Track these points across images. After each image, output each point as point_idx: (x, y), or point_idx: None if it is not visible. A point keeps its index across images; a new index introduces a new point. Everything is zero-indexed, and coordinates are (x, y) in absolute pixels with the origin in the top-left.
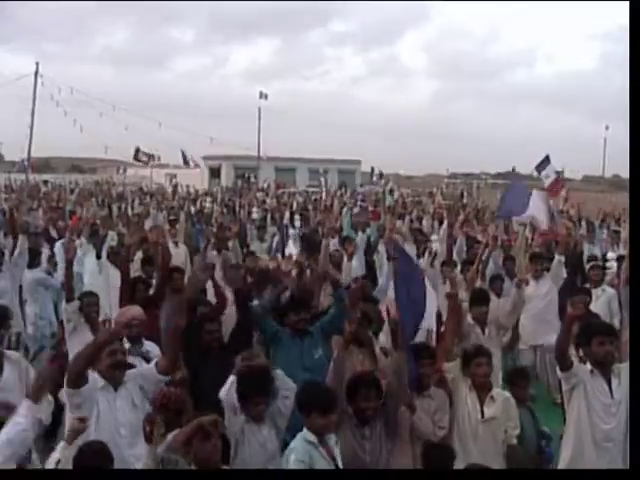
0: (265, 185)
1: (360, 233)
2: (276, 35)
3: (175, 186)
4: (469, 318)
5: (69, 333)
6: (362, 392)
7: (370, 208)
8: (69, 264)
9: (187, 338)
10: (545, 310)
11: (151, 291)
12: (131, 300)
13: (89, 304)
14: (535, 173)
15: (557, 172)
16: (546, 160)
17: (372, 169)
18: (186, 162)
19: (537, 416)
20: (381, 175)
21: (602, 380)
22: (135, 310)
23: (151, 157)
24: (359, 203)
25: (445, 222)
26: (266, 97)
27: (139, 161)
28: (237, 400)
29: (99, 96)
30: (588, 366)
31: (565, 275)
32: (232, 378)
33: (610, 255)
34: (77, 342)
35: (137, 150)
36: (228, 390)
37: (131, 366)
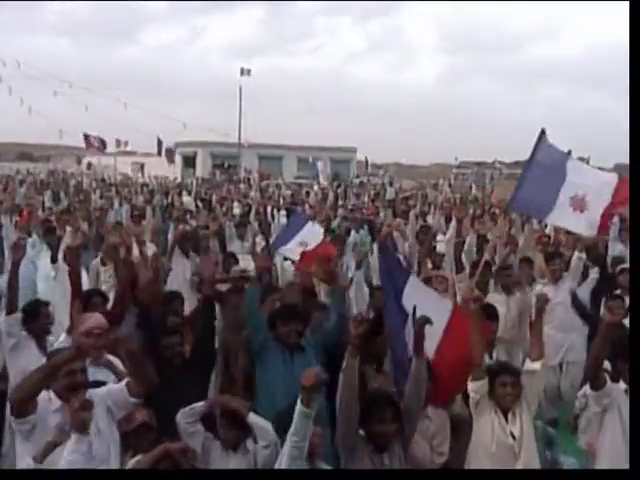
0: (248, 175)
1: (354, 232)
2: (260, 3)
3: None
4: None
5: (9, 350)
6: (377, 414)
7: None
8: (15, 267)
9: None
10: (570, 318)
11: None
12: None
13: (45, 315)
14: None
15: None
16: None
17: (366, 159)
18: (160, 153)
19: (553, 439)
20: (371, 167)
21: None
22: (96, 319)
23: (103, 143)
24: (353, 201)
25: (454, 219)
26: (248, 73)
27: (92, 147)
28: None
29: (53, 71)
30: (622, 385)
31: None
32: (201, 404)
33: None
34: (20, 360)
35: (86, 136)
36: (189, 410)
37: (98, 383)
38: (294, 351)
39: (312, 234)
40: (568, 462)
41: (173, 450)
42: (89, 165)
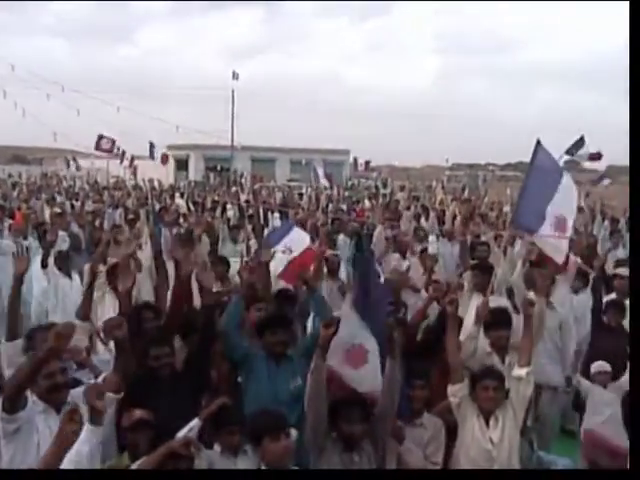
0: (241, 179)
1: (342, 236)
2: (255, 5)
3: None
4: (486, 345)
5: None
6: (344, 414)
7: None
8: (18, 283)
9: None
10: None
11: None
12: (138, 333)
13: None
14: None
15: (596, 154)
16: (580, 142)
17: (355, 160)
18: (152, 156)
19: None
20: (367, 165)
21: None
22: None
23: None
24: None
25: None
26: (237, 77)
27: (102, 151)
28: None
29: (47, 74)
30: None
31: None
32: (196, 421)
33: None
34: None
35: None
36: (187, 433)
37: (78, 383)
38: (280, 360)
39: (297, 240)
40: (562, 462)
41: (177, 447)
42: (77, 167)
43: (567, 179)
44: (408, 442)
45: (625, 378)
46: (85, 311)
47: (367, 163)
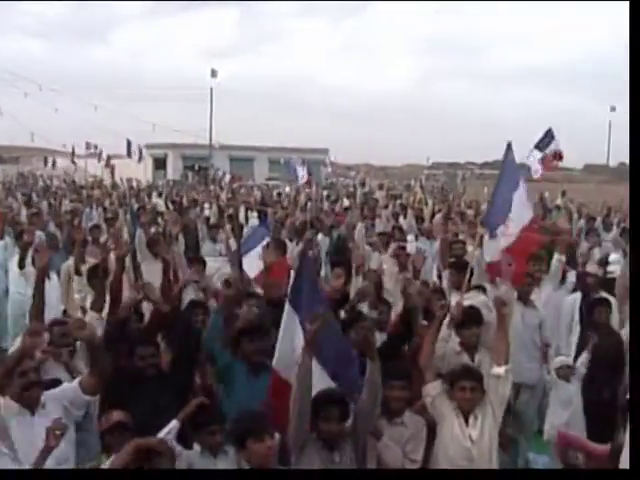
0: (220, 177)
1: (321, 235)
2: (234, 4)
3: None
4: (456, 344)
5: None
6: (322, 413)
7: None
8: (41, 276)
9: (118, 363)
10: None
11: None
12: (121, 336)
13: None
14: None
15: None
16: (549, 135)
17: (324, 160)
18: (129, 155)
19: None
20: (332, 165)
21: None
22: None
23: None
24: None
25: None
26: (215, 75)
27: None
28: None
29: (24, 73)
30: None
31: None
32: (174, 423)
33: (613, 257)
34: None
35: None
36: (166, 435)
37: (56, 383)
38: (260, 370)
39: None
40: (541, 461)
41: (142, 445)
42: (54, 163)
43: (523, 189)
44: (386, 439)
45: (581, 361)
46: (100, 305)
47: (331, 163)
